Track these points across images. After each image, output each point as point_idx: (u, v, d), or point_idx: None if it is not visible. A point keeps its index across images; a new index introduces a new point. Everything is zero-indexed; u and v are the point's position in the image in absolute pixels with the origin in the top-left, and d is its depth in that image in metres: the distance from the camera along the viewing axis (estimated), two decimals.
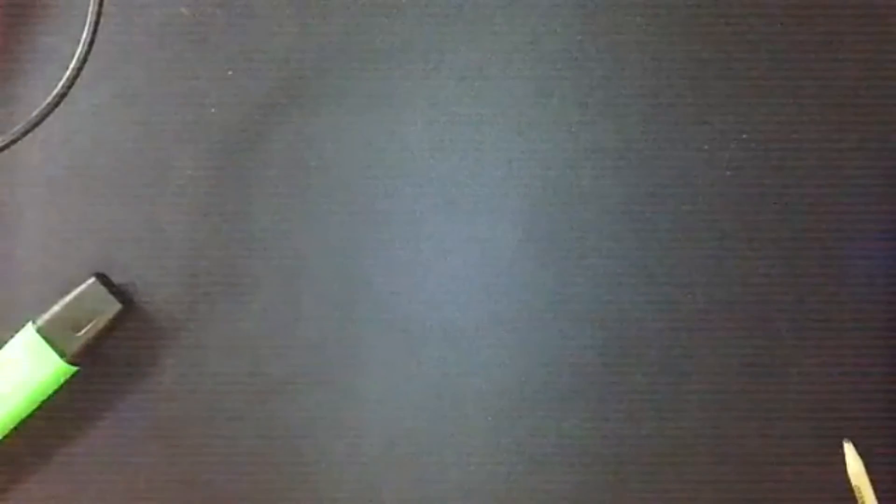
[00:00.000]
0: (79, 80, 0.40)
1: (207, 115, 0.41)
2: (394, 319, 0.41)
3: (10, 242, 0.41)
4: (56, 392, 0.39)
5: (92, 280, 0.39)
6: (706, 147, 0.41)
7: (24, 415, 0.39)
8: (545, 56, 0.41)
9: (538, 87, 0.41)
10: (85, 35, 0.40)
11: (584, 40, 0.41)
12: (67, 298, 0.39)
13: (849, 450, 0.41)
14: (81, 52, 0.40)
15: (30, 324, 0.39)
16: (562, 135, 0.41)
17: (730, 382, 0.41)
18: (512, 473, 0.41)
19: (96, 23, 0.40)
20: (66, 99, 0.40)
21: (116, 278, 0.40)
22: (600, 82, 0.41)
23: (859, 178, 0.42)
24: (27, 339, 0.38)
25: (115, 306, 0.39)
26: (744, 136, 0.41)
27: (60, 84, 0.40)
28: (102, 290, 0.39)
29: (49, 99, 0.40)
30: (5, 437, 0.39)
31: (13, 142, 0.40)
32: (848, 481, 0.41)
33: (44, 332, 0.38)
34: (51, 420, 0.40)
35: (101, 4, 0.40)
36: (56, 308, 0.39)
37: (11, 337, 0.39)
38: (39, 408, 0.39)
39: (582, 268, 0.41)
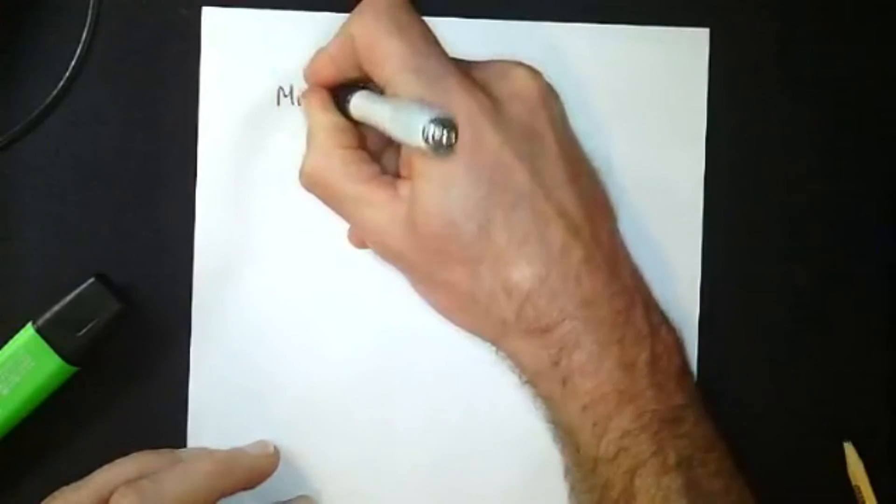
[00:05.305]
0: (79, 80, 0.41)
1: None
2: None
3: (11, 242, 0.41)
4: (56, 392, 0.39)
5: (92, 280, 0.39)
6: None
7: (24, 415, 0.39)
8: None
9: None
10: (85, 35, 0.40)
11: None
12: (67, 298, 0.39)
13: (849, 450, 0.41)
14: (81, 51, 0.40)
15: (30, 324, 0.39)
16: None
17: (730, 383, 0.41)
18: None
19: (96, 23, 0.40)
20: (66, 99, 0.40)
21: (116, 278, 0.40)
22: None
23: (860, 177, 0.42)
24: (27, 339, 0.38)
25: (115, 306, 0.39)
26: (744, 135, 0.42)
27: (60, 84, 0.40)
28: (102, 290, 0.39)
29: (49, 99, 0.40)
30: (6, 436, 0.39)
31: (13, 142, 0.40)
32: (848, 481, 0.41)
33: (44, 332, 0.38)
34: (51, 420, 0.40)
35: (100, 4, 0.40)
36: (56, 308, 0.39)
37: (11, 337, 0.39)
38: (39, 408, 0.39)
39: None
